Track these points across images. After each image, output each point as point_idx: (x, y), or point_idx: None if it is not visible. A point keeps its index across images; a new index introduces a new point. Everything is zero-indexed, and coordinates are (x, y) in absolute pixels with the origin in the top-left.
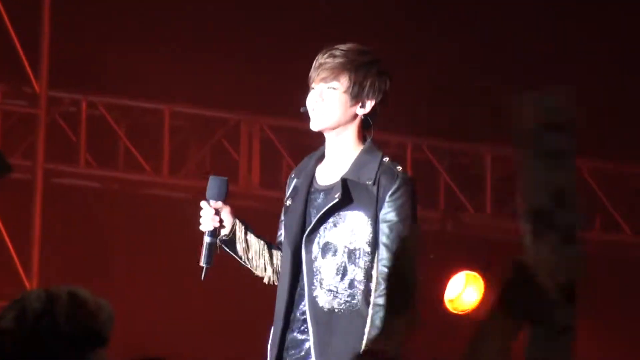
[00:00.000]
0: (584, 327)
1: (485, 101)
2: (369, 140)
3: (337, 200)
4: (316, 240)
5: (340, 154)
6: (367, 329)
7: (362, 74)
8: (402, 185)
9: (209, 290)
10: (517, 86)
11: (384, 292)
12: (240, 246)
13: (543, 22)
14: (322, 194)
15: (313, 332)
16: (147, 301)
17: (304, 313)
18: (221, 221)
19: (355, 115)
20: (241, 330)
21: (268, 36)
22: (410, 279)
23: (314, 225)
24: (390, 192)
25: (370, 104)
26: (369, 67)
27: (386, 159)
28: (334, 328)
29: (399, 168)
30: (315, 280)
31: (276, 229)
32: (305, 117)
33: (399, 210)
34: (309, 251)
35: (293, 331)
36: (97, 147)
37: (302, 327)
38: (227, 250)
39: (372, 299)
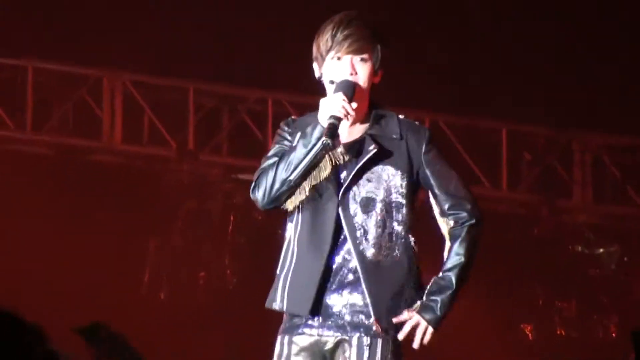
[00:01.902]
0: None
1: None
2: (374, 100)
3: (374, 151)
4: (351, 196)
5: (355, 117)
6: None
7: (385, 45)
8: (432, 137)
9: (76, 247)
10: None
11: (459, 225)
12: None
13: None
14: (347, 151)
15: (366, 284)
16: (13, 259)
17: (345, 269)
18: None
19: (372, 83)
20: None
21: None
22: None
23: (350, 181)
24: (424, 144)
25: (380, 73)
26: (386, 37)
27: (401, 116)
28: (382, 278)
29: (418, 123)
30: (359, 235)
31: (139, 183)
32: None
33: (438, 159)
34: (346, 206)
35: (331, 292)
36: None
37: (346, 283)
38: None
39: (447, 232)
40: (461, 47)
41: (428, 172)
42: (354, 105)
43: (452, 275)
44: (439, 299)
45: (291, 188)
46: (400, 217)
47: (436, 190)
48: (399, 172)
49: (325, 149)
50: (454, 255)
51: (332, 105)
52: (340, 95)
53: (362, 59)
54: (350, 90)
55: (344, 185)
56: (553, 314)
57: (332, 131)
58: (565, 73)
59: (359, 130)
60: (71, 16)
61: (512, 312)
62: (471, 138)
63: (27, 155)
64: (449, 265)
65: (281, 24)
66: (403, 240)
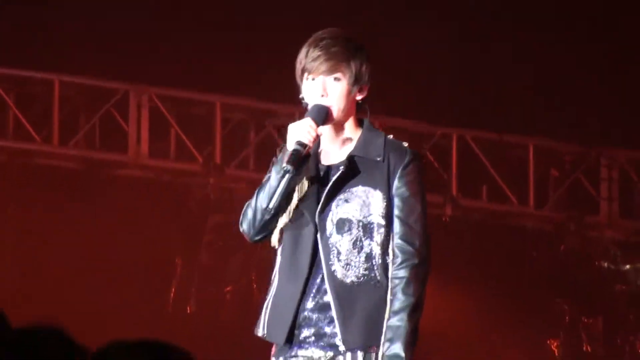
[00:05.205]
0: (467, 291)
1: None
2: (366, 121)
3: (341, 171)
4: (329, 217)
5: (343, 136)
6: (389, 300)
7: (359, 61)
8: (413, 161)
9: (102, 262)
10: None
11: (403, 264)
12: (299, 175)
13: None
14: (331, 172)
15: (335, 305)
16: (38, 270)
17: (319, 290)
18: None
19: (355, 101)
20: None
21: (160, 7)
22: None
23: (324, 201)
24: (402, 167)
25: (365, 89)
26: (362, 52)
27: (390, 137)
28: (354, 300)
29: (406, 144)
30: (332, 256)
31: (165, 198)
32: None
33: (410, 185)
34: (323, 228)
35: (305, 310)
36: None
37: (319, 304)
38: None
39: (391, 271)
40: (489, 62)
41: (396, 194)
42: (324, 129)
43: (405, 316)
44: (399, 344)
45: (273, 216)
46: (378, 238)
47: (395, 214)
48: (380, 193)
49: (285, 175)
50: (402, 295)
51: (298, 130)
52: (308, 121)
53: (335, 79)
54: (320, 114)
55: (319, 207)
56: (579, 330)
57: (294, 158)
58: (592, 89)
59: (346, 151)
60: (97, 30)
61: (539, 328)
62: (498, 154)
63: (53, 169)
64: (399, 305)
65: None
66: (380, 261)
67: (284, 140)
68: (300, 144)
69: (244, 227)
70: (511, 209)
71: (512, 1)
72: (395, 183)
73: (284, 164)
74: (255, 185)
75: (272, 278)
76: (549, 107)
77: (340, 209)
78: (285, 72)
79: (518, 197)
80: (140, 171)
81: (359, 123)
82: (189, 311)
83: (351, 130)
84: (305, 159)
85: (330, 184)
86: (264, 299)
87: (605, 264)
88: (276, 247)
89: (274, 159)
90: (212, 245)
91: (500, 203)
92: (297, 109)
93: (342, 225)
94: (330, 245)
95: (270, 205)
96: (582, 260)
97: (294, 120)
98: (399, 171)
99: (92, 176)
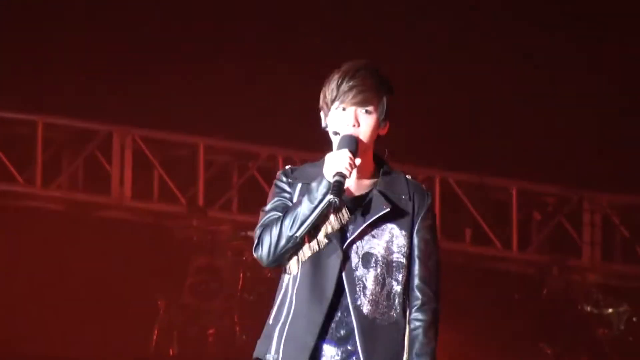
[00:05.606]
0: (450, 334)
1: None
2: (380, 157)
3: (386, 210)
4: (354, 250)
5: (361, 170)
6: (406, 342)
7: (389, 96)
8: (432, 205)
9: (85, 304)
10: None
11: (424, 307)
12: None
13: None
14: (354, 204)
15: (360, 340)
16: (19, 311)
17: (342, 322)
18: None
19: (377, 136)
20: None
21: (143, 49)
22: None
23: (358, 234)
24: (425, 210)
25: (387, 125)
26: (391, 88)
27: (409, 177)
28: (376, 337)
29: (424, 186)
30: (358, 289)
31: (148, 240)
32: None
33: (431, 229)
34: (348, 260)
35: (325, 341)
36: None
37: (336, 337)
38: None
39: (409, 312)
40: (473, 105)
41: (417, 236)
42: (358, 160)
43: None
44: None
45: (296, 245)
46: (400, 277)
47: (417, 255)
48: (403, 233)
49: (332, 207)
50: (424, 338)
51: (339, 161)
52: (347, 152)
53: (366, 111)
54: (354, 145)
55: (349, 239)
56: None
57: (339, 189)
58: (575, 133)
59: (367, 184)
60: (81, 71)
61: None
62: (481, 196)
63: (36, 211)
64: (421, 349)
65: (291, 81)
66: (401, 301)
67: (268, 183)
68: (341, 175)
69: (262, 252)
70: (494, 252)
71: (495, 38)
72: (418, 224)
73: (330, 195)
74: (239, 226)
75: (283, 300)
76: (532, 149)
77: (366, 243)
78: (268, 115)
79: (501, 240)
80: (123, 213)
81: (375, 158)
82: (171, 353)
83: (370, 164)
84: (344, 190)
85: (372, 219)
86: (272, 321)
87: (588, 308)
88: (293, 273)
89: (279, 183)
90: (194, 287)
91: (483, 246)
92: (280, 152)
93: (369, 259)
94: (356, 279)
95: (298, 234)
96: (564, 304)
97: (276, 162)
98: (422, 213)
99: (75, 218)
